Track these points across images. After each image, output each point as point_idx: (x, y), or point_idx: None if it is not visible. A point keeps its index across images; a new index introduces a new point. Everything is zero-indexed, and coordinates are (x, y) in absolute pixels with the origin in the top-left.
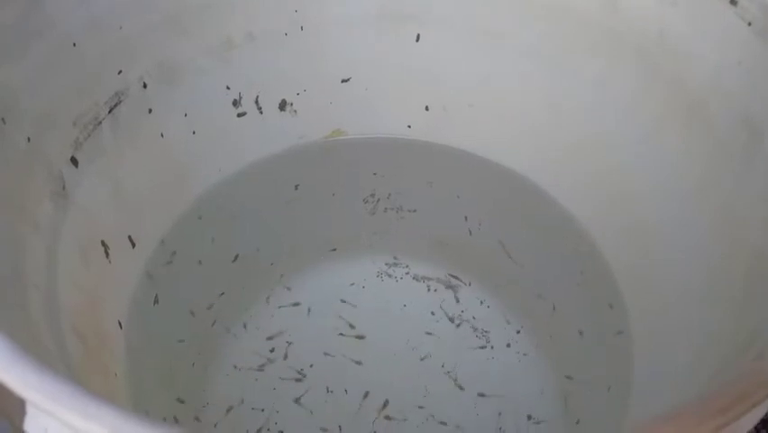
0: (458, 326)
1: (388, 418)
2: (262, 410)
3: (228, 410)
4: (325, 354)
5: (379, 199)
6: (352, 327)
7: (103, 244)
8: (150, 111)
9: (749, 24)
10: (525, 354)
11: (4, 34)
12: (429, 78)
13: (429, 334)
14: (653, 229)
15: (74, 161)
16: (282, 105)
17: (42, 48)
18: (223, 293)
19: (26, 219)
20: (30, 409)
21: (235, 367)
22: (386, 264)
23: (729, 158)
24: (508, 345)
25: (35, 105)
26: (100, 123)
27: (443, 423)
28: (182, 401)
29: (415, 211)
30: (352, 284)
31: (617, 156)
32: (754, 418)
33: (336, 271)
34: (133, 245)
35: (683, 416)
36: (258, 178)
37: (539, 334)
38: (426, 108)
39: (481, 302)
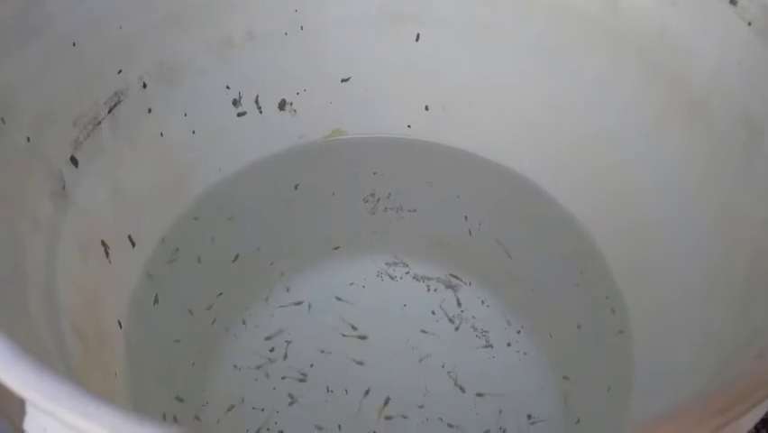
0: (458, 325)
1: (388, 417)
2: (262, 410)
3: (228, 410)
4: (326, 353)
5: (379, 199)
6: (352, 326)
7: (103, 243)
8: (149, 111)
9: (749, 24)
10: (525, 354)
11: (3, 28)
12: (429, 78)
13: (429, 333)
14: (653, 228)
15: (74, 161)
16: (282, 105)
17: (42, 46)
18: (222, 293)
19: (26, 218)
20: (29, 409)
21: (235, 367)
22: (386, 264)
23: (730, 156)
24: (509, 345)
25: (35, 104)
26: (100, 122)
27: (444, 423)
28: (182, 401)
29: (415, 211)
30: (352, 284)
31: (618, 155)
32: (754, 417)
33: (336, 270)
34: (133, 245)
35: (684, 415)
36: (258, 177)
37: (539, 333)
38: (426, 108)
39: (482, 302)
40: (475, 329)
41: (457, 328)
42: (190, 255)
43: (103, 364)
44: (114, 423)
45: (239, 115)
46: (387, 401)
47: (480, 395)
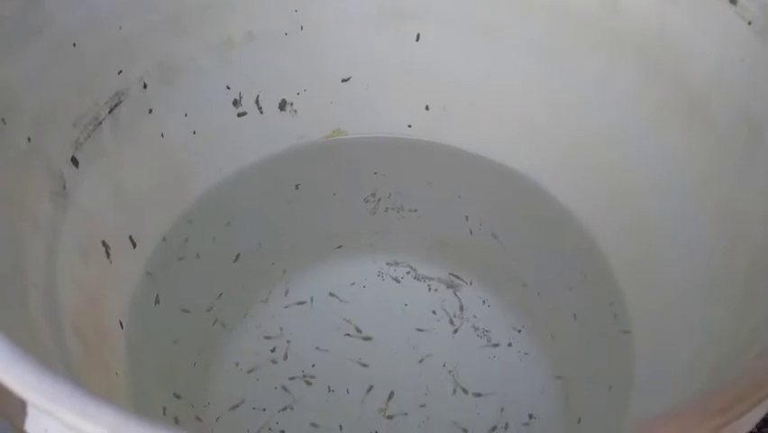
0: (459, 325)
1: (389, 417)
2: (263, 410)
3: (229, 410)
4: (327, 353)
5: (379, 199)
6: (353, 326)
7: (104, 243)
8: (150, 111)
9: (749, 23)
10: (526, 354)
11: (3, 28)
12: (429, 77)
13: (430, 333)
14: (653, 225)
15: (74, 161)
16: (282, 105)
17: (42, 46)
18: (223, 293)
19: (26, 219)
20: (30, 410)
21: (236, 366)
22: (387, 264)
23: (730, 154)
24: (510, 344)
25: (35, 104)
26: (100, 123)
27: (445, 422)
28: (183, 401)
29: (415, 211)
30: (353, 284)
31: (618, 153)
32: (754, 417)
33: (337, 270)
34: (134, 245)
35: (684, 415)
36: (258, 178)
37: (540, 333)
38: (427, 108)
39: (483, 301)
40: (476, 329)
41: (458, 328)
42: (191, 255)
43: (103, 364)
44: (115, 423)
45: (239, 115)
46: (388, 401)
47: (480, 395)
